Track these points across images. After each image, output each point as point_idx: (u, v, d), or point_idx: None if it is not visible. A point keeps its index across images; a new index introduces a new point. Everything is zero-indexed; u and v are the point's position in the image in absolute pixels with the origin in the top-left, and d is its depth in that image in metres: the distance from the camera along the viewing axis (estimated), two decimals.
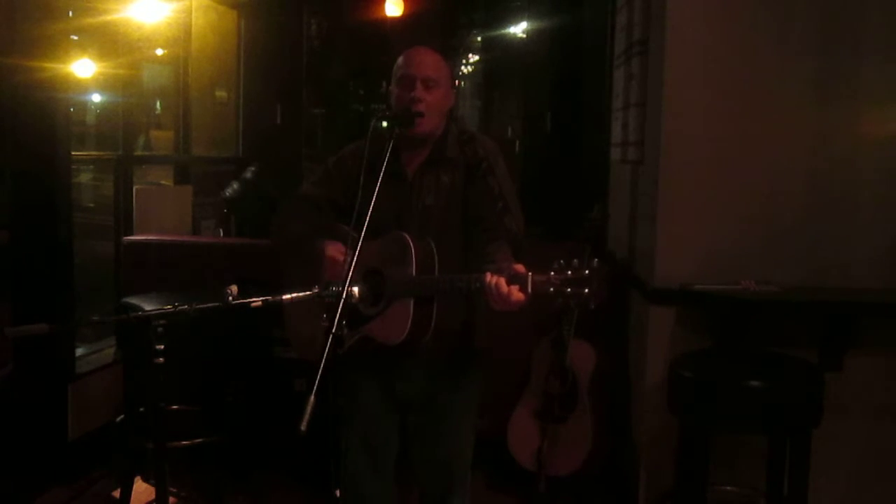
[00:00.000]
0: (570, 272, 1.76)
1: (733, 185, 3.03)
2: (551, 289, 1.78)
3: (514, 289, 1.83)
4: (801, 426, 2.65)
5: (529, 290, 1.81)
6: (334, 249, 2.20)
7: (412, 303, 2.03)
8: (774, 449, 2.77)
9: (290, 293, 1.95)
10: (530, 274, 1.82)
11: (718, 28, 3.00)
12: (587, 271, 1.75)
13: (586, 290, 1.74)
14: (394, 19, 5.97)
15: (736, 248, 3.03)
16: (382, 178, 1.98)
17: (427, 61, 2.20)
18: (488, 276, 1.87)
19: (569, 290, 1.76)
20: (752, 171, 3.02)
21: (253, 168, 5.17)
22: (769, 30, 2.99)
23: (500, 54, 7.36)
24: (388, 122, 2.15)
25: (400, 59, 2.23)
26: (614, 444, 3.50)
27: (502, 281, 1.85)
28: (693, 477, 2.73)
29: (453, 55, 7.59)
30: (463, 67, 7.98)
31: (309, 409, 1.52)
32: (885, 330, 2.96)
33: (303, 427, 1.51)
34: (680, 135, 3.02)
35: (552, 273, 1.78)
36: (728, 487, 3.02)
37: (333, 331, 1.70)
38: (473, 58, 7.96)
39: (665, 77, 3.01)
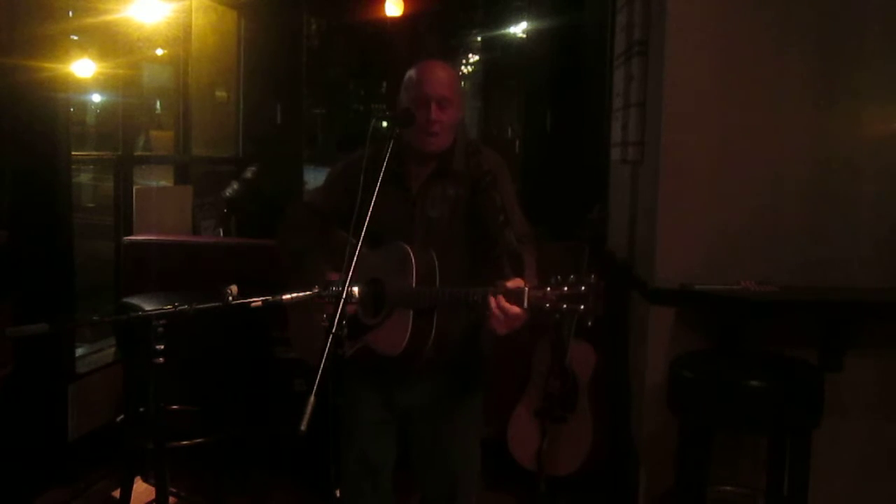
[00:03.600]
0: (566, 288, 1.75)
1: (733, 185, 3.03)
2: (547, 304, 1.77)
3: (512, 307, 1.83)
4: (801, 426, 2.65)
5: (525, 305, 1.81)
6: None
7: (411, 314, 2.03)
8: (774, 449, 2.77)
9: (290, 293, 1.95)
10: (527, 289, 1.81)
11: (718, 28, 2.99)
12: (583, 287, 1.74)
13: (582, 307, 1.73)
14: (394, 19, 5.97)
15: (736, 248, 3.03)
16: (388, 188, 1.98)
17: (442, 80, 2.17)
18: (491, 300, 1.86)
19: (565, 306, 1.75)
20: (753, 170, 3.02)
21: (253, 168, 5.18)
22: (769, 30, 2.98)
23: (500, 54, 7.36)
24: (387, 122, 2.15)
25: (413, 74, 2.20)
26: (614, 444, 3.50)
27: (501, 299, 1.85)
28: (693, 477, 2.73)
29: (453, 55, 7.59)
30: (463, 67, 7.98)
31: (309, 409, 1.52)
32: (885, 330, 2.96)
33: (303, 427, 1.51)
34: (680, 134, 3.02)
35: (548, 289, 1.77)
36: (728, 487, 3.02)
37: (333, 330, 1.70)
38: (473, 58, 7.97)
39: (665, 77, 3.01)
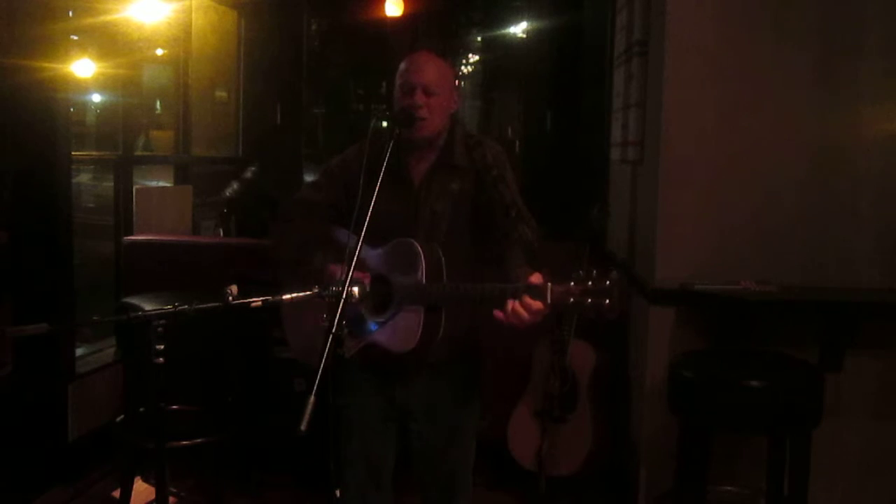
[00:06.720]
0: (590, 283, 1.74)
1: (733, 184, 3.03)
2: (571, 299, 1.77)
3: (536, 302, 1.81)
4: (801, 426, 2.65)
5: (549, 300, 1.80)
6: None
7: (423, 310, 2.03)
8: (774, 449, 2.77)
9: (290, 293, 1.94)
10: (549, 285, 1.80)
11: (718, 28, 3.00)
12: (608, 282, 1.74)
13: (607, 302, 1.73)
14: (394, 19, 5.97)
15: (736, 248, 3.03)
16: (389, 182, 1.97)
17: (428, 68, 2.17)
18: (509, 303, 1.84)
19: (589, 300, 1.74)
20: (752, 170, 3.02)
21: (253, 168, 5.18)
22: (769, 30, 2.99)
23: (500, 54, 7.36)
24: (387, 122, 2.15)
25: (402, 64, 2.21)
26: (614, 444, 3.51)
27: (524, 295, 1.82)
28: (693, 477, 2.74)
29: (453, 55, 7.58)
30: (463, 67, 7.98)
31: (309, 409, 1.52)
32: (885, 330, 2.96)
33: (303, 427, 1.51)
34: (680, 135, 3.02)
35: (572, 283, 1.77)
36: (728, 487, 3.02)
37: (333, 331, 1.70)
38: (473, 58, 7.96)
39: (665, 77, 3.02)
